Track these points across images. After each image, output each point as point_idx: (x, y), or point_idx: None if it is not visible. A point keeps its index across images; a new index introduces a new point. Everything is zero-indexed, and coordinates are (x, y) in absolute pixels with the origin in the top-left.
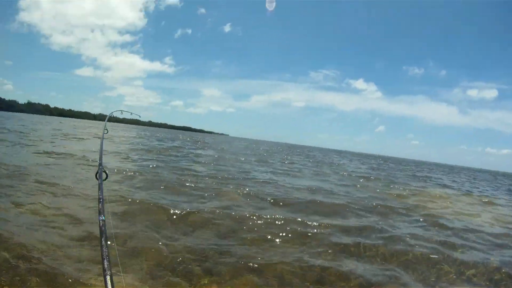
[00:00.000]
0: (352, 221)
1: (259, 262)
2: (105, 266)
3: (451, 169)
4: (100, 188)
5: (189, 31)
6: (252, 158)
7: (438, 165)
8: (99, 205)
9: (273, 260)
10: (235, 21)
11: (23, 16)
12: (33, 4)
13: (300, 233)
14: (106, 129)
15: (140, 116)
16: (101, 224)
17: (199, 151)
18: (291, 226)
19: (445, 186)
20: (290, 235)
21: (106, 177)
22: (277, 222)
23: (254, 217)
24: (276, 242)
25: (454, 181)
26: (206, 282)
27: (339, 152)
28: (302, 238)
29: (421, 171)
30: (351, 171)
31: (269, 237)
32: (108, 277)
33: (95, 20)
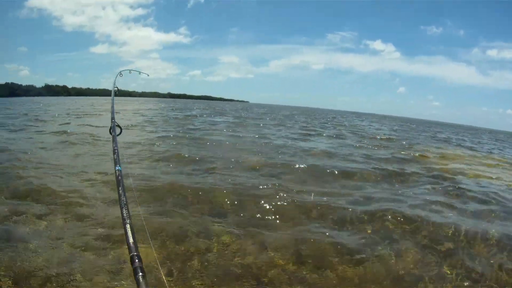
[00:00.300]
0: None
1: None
2: (124, 215)
3: (475, 131)
4: (114, 140)
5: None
6: (271, 122)
7: (460, 127)
8: (114, 156)
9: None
10: None
11: (32, 2)
12: None
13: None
14: (116, 87)
15: (148, 75)
16: (117, 174)
17: (217, 119)
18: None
19: (469, 147)
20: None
21: (121, 132)
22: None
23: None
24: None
25: (479, 142)
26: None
27: (360, 115)
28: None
29: (441, 132)
30: (372, 133)
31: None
32: (128, 226)
33: None
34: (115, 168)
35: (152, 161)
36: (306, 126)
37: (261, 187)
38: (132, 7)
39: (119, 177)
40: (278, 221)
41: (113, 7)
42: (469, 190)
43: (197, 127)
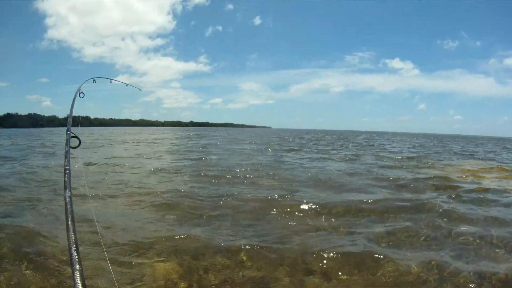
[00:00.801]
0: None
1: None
2: (73, 255)
3: (497, 141)
4: (66, 157)
5: (220, 28)
6: (288, 145)
7: (483, 138)
8: (65, 177)
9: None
10: (264, 13)
11: (52, 34)
12: (59, 21)
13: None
14: (82, 92)
15: (140, 90)
16: (67, 200)
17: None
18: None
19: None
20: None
21: (79, 144)
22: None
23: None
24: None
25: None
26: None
27: (382, 134)
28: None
29: (464, 145)
30: (391, 151)
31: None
32: (77, 272)
33: (124, 28)
34: (64, 194)
35: (171, 180)
36: (325, 150)
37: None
38: (151, 37)
39: (69, 205)
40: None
41: (132, 38)
42: None
43: (214, 153)
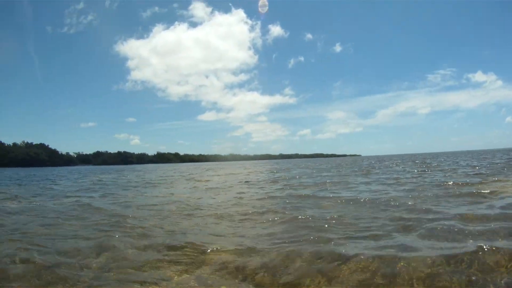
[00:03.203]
0: None
1: None
2: None
3: None
4: None
5: (302, 58)
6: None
7: None
8: None
9: None
10: (343, 40)
11: (135, 75)
12: (141, 63)
13: None
14: None
15: None
16: None
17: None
18: None
19: None
20: None
21: None
22: None
23: None
24: None
25: None
26: None
27: (470, 153)
28: None
29: None
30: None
31: None
32: None
33: (207, 66)
34: None
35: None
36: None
37: None
38: (234, 73)
39: None
40: None
41: (216, 75)
42: None
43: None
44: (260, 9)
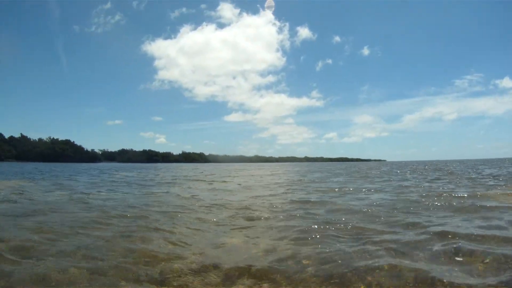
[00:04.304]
0: None
1: None
2: None
3: None
4: None
5: (330, 61)
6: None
7: None
8: None
9: None
10: (371, 43)
11: (163, 74)
12: (169, 63)
13: None
14: None
15: None
16: None
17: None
18: None
19: None
20: None
21: None
22: None
23: None
24: None
25: None
26: None
27: (492, 161)
28: None
29: None
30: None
31: None
32: None
33: (235, 67)
34: None
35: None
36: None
37: None
38: (262, 75)
39: None
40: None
41: (244, 76)
42: None
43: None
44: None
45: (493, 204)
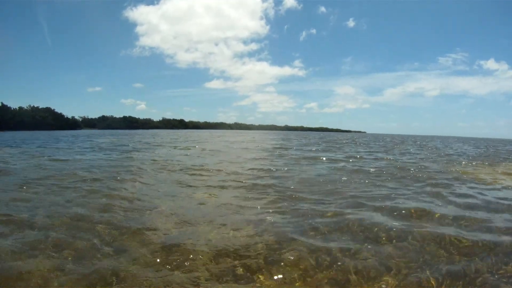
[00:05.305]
0: None
1: None
2: None
3: None
4: None
5: (314, 31)
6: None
7: None
8: None
9: None
10: (357, 15)
11: (144, 41)
12: (150, 29)
13: None
14: None
15: None
16: None
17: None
18: None
19: None
20: None
21: None
22: None
23: None
24: None
25: None
26: None
27: (473, 140)
28: None
29: None
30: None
31: None
32: None
33: (217, 34)
34: None
35: None
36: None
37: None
38: (245, 42)
39: None
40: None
41: (226, 43)
42: None
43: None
44: None
45: None
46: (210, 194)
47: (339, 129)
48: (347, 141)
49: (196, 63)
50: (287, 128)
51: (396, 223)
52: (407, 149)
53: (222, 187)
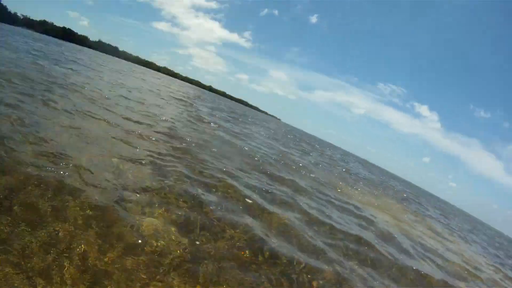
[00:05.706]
0: None
1: None
2: None
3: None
4: None
5: (276, 12)
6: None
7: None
8: None
9: None
10: (323, 14)
11: None
12: None
13: None
14: None
15: None
16: None
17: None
18: None
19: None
20: None
21: None
22: None
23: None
24: None
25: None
26: None
27: (375, 167)
28: None
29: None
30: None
31: None
32: None
33: None
34: None
35: None
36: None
37: None
38: None
39: None
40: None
41: None
42: None
43: None
44: None
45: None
46: None
47: (258, 108)
48: (252, 119)
49: (153, 0)
50: (210, 90)
51: None
52: (301, 145)
53: None
